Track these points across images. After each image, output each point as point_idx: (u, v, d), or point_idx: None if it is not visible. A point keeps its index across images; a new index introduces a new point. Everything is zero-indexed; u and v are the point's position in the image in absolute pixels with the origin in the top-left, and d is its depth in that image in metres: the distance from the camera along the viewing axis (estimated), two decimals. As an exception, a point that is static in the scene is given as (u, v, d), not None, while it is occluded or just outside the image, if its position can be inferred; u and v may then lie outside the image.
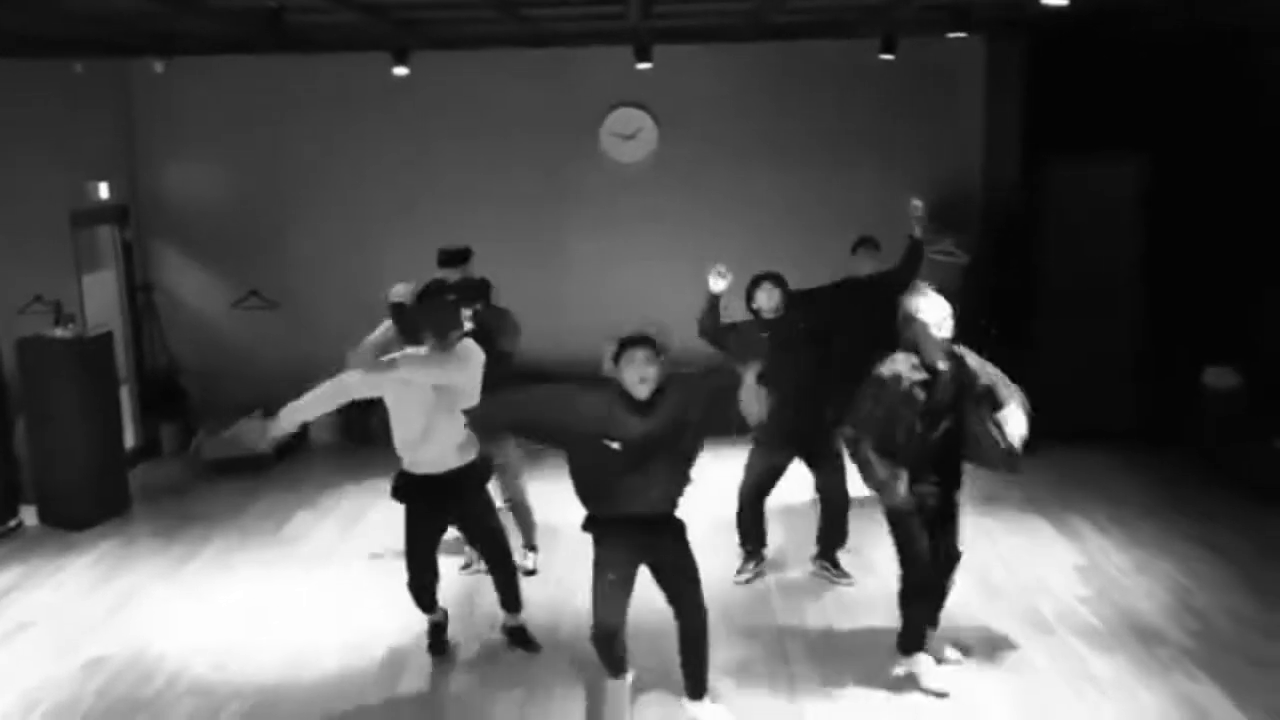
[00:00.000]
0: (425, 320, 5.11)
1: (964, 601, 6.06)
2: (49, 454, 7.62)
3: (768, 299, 6.23)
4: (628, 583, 4.62)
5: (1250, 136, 8.47)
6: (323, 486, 8.33)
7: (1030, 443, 4.92)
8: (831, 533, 6.40)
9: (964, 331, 6.66)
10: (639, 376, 4.48)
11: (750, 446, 6.29)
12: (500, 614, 5.71)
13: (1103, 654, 5.44)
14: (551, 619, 5.93)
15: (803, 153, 9.50)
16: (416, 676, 5.43)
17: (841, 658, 5.48)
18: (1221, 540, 6.85)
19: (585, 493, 4.65)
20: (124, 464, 8.25)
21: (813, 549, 6.49)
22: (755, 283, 6.29)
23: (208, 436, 9.12)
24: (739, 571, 6.40)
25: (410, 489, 5.29)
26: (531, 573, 6.46)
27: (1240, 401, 8.24)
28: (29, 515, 7.69)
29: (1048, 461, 8.44)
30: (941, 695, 5.02)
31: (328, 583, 6.57)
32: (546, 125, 9.51)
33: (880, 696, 5.11)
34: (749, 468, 6.34)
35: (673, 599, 4.72)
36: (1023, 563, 6.62)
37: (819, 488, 6.43)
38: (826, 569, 6.41)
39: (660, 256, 9.69)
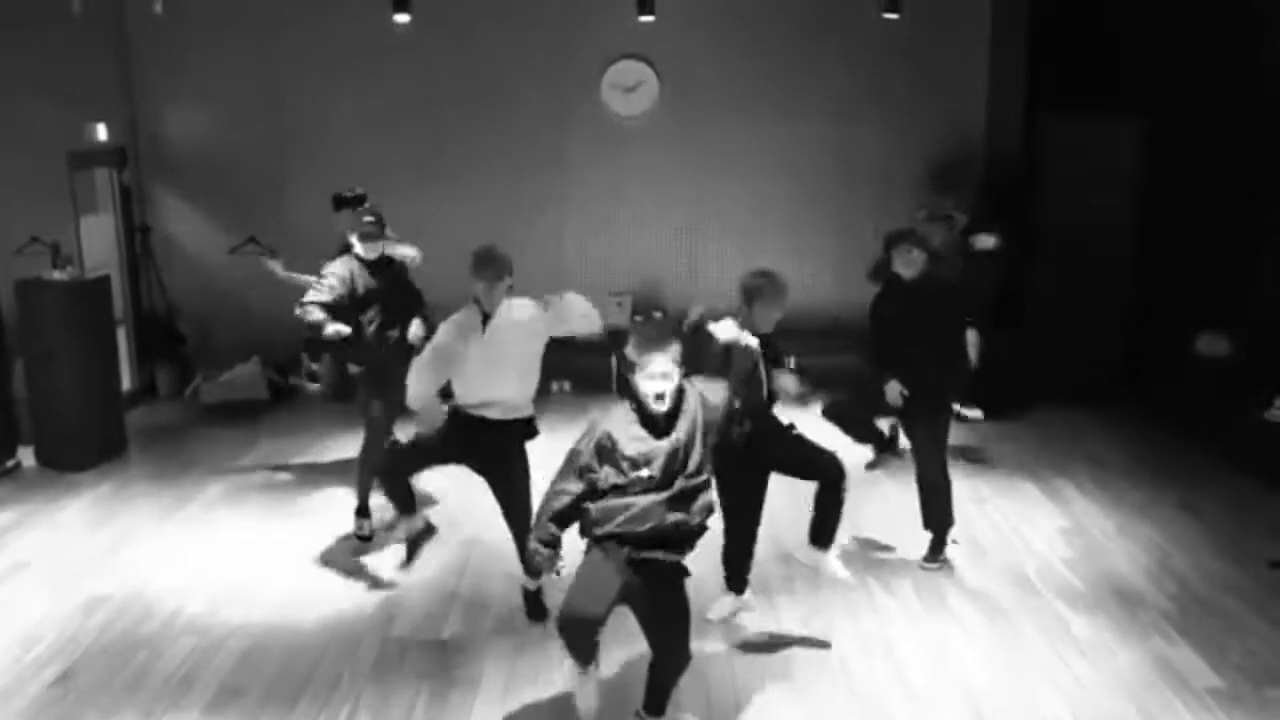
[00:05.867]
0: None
1: (948, 563, 6.18)
2: (46, 395, 7.66)
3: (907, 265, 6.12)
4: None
5: (1249, 103, 8.47)
6: (320, 431, 8.40)
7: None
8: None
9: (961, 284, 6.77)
10: (655, 390, 4.07)
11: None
12: (520, 575, 5.56)
13: (1083, 615, 5.56)
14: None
15: (805, 107, 9.48)
16: (410, 621, 5.53)
17: (824, 605, 5.60)
18: (1203, 506, 6.96)
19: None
20: (121, 406, 8.30)
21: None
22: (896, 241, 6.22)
23: (205, 381, 9.17)
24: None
25: (460, 422, 5.29)
26: (366, 539, 6.42)
27: (1230, 369, 8.32)
28: (27, 456, 7.76)
29: (1035, 423, 8.55)
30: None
31: (324, 527, 6.65)
32: (548, 76, 9.48)
33: (860, 647, 5.24)
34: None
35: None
36: (1009, 524, 6.73)
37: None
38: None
39: (659, 209, 9.71)
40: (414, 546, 5.50)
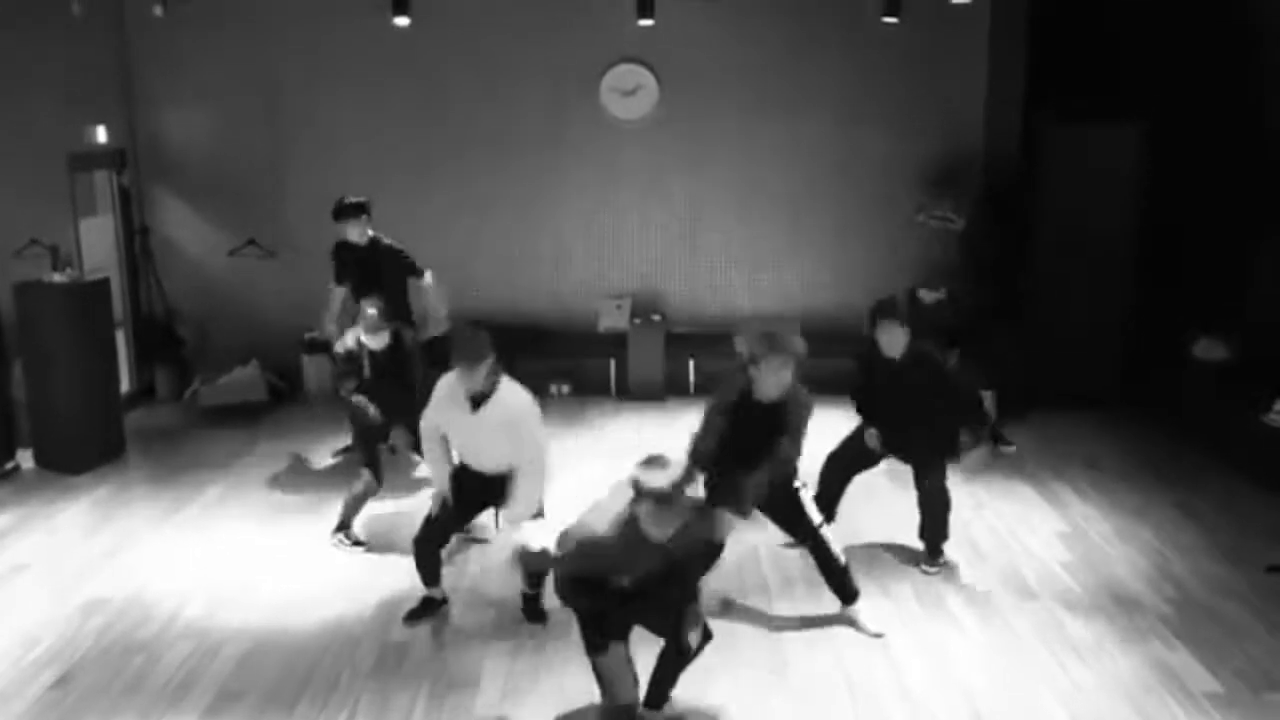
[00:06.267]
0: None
1: (949, 565, 6.19)
2: (45, 398, 7.66)
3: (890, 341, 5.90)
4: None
5: (1248, 105, 8.48)
6: (318, 434, 8.40)
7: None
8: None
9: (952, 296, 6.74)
10: (663, 531, 4.15)
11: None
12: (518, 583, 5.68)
13: (1081, 619, 5.56)
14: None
15: (805, 110, 9.48)
16: (408, 625, 5.53)
17: (822, 607, 5.61)
18: (1201, 509, 6.96)
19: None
20: (119, 409, 8.29)
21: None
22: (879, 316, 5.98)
23: (204, 383, 9.17)
24: None
25: (463, 478, 5.49)
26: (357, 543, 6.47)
27: (1227, 373, 8.33)
28: (25, 459, 7.76)
29: (1033, 426, 8.55)
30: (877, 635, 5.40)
31: (322, 530, 6.64)
32: (546, 80, 9.47)
33: (859, 649, 5.24)
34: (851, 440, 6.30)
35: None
36: (1007, 528, 6.73)
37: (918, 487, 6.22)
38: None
39: (658, 212, 9.71)
40: (428, 608, 5.60)
